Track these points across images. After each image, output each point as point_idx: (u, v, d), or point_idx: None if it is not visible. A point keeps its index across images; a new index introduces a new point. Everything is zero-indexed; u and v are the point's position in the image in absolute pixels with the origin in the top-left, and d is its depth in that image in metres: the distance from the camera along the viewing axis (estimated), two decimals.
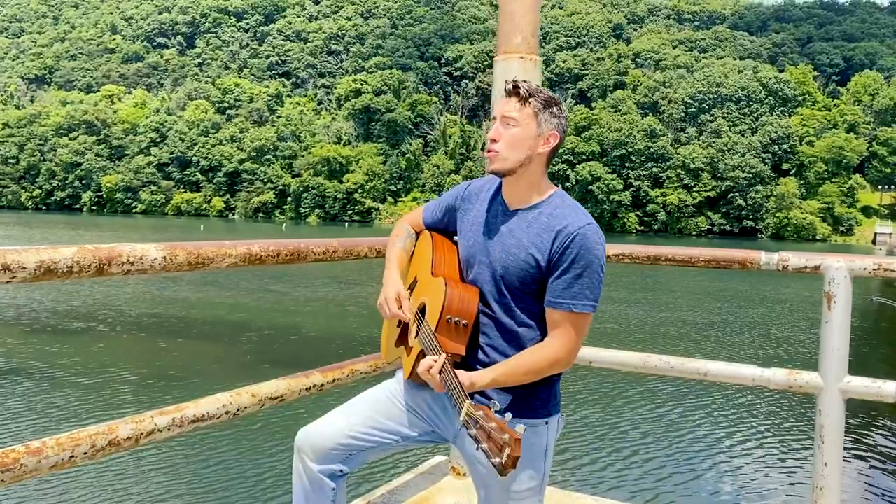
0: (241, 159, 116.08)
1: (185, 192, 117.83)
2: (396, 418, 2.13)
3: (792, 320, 22.54)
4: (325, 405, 2.36)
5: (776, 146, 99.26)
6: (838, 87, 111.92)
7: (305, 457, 2.07)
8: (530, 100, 1.96)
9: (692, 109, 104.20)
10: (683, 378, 2.73)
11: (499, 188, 2.13)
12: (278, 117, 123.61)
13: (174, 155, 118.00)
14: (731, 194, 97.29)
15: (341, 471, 2.08)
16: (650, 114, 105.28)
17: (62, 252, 1.58)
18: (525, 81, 2.00)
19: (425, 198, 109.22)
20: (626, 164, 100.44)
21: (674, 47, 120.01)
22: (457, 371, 1.85)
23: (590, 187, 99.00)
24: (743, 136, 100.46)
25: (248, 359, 14.13)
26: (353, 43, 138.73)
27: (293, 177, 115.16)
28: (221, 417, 2.04)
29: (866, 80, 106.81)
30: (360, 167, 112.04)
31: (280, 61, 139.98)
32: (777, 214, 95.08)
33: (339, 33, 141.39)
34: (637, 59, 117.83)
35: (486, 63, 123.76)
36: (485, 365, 1.97)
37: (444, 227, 2.30)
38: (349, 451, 2.07)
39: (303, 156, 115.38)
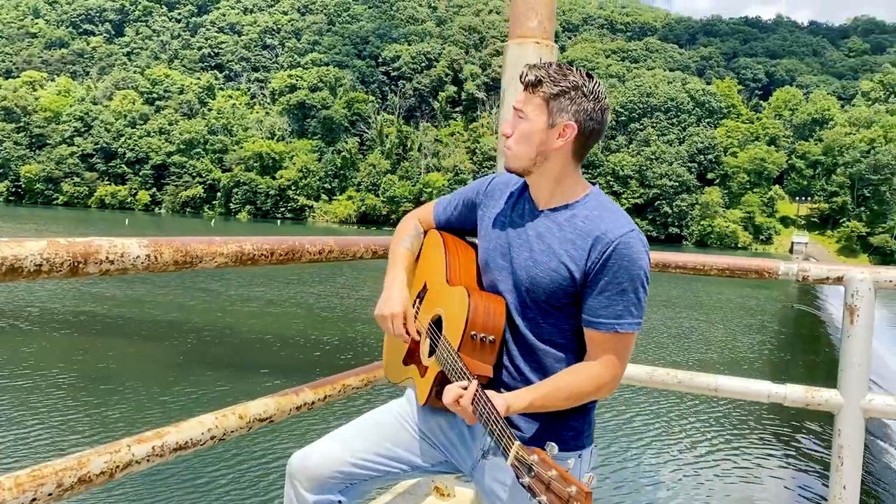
0: (169, 152, 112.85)
1: (110, 184, 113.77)
2: (406, 445, 1.88)
3: (731, 326, 23.22)
4: (311, 417, 2.20)
5: (702, 156, 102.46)
6: (761, 102, 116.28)
7: (299, 485, 1.83)
8: (540, 87, 1.69)
9: (623, 118, 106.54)
10: (692, 393, 2.63)
11: (526, 184, 1.85)
12: (209, 110, 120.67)
13: (99, 146, 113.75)
14: (658, 202, 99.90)
15: (339, 502, 1.84)
16: None
17: (29, 247, 1.30)
18: (536, 66, 1.72)
19: (360, 197, 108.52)
20: None
21: (606, 56, 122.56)
22: (491, 396, 1.57)
23: None
24: (671, 145, 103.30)
25: (182, 360, 13.73)
26: (289, 38, 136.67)
27: (223, 171, 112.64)
28: (206, 443, 1.79)
29: (786, 95, 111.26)
30: (294, 164, 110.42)
31: (213, 53, 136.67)
32: (701, 222, 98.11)
33: (275, 27, 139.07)
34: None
35: (423, 64, 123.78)
36: (506, 387, 1.72)
37: (460, 225, 2.02)
38: (349, 480, 1.83)
39: (234, 150, 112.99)
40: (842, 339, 2.49)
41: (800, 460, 9.85)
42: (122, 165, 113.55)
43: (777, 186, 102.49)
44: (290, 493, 1.85)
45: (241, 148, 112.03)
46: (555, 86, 1.68)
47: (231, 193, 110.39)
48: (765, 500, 8.34)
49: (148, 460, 1.63)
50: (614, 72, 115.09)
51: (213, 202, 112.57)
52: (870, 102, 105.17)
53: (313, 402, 2.15)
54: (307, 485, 1.82)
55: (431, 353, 1.86)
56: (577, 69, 1.72)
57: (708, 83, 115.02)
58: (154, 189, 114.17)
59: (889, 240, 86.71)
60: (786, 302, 32.34)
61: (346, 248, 2.25)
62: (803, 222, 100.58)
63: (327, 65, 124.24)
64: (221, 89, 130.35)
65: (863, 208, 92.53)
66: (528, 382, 1.73)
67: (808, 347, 21.43)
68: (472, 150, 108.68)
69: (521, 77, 1.74)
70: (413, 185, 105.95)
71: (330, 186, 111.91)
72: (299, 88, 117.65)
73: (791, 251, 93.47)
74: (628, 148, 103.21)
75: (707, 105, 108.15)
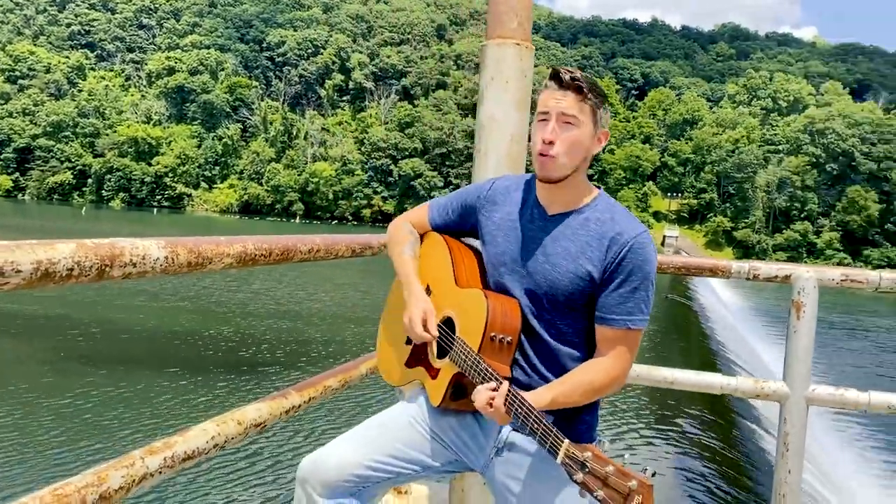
0: (34, 135, 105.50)
1: None
2: (418, 446, 1.89)
3: None
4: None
5: None
6: (637, 101, 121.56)
7: (312, 490, 1.81)
8: (590, 96, 1.70)
9: None
10: (650, 386, 2.79)
11: (529, 188, 1.88)
12: (80, 91, 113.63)
13: None
14: None
15: None
16: (470, 115, 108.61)
17: (61, 250, 1.24)
18: (574, 71, 1.71)
19: (243, 185, 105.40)
20: (447, 163, 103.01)
21: None
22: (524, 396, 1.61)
23: (412, 183, 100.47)
24: None
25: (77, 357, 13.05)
26: (167, 18, 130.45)
27: (95, 157, 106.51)
28: (210, 452, 1.77)
29: (660, 95, 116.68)
30: (172, 150, 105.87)
31: (83, 31, 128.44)
32: None
33: (152, 6, 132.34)
34: (458, 61, 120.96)
35: (310, 51, 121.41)
36: (523, 386, 1.72)
37: (457, 228, 2.03)
38: (363, 483, 1.82)
39: (107, 134, 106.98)
40: (788, 333, 2.62)
41: (743, 447, 10.12)
42: None
43: (651, 183, 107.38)
44: (303, 498, 1.83)
45: (115, 132, 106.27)
46: (599, 94, 1.71)
47: (103, 180, 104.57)
48: (710, 485, 8.61)
49: (160, 472, 1.59)
50: None
51: (84, 189, 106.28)
52: (735, 105, 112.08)
53: (300, 405, 2.15)
54: (321, 489, 1.80)
55: (441, 354, 1.87)
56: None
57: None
58: (17, 174, 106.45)
59: (751, 234, 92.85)
60: (659, 292, 34.03)
61: (331, 247, 2.24)
62: (674, 217, 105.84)
63: (208, 48, 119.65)
64: (93, 69, 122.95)
65: (728, 204, 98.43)
66: (544, 381, 1.75)
67: (681, 336, 22.66)
68: (361, 140, 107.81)
69: (566, 81, 1.70)
70: (299, 175, 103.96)
71: (210, 174, 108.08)
72: (178, 71, 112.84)
73: (663, 244, 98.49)
74: None
75: None
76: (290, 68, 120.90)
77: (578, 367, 1.74)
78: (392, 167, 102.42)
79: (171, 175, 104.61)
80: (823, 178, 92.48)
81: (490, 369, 1.67)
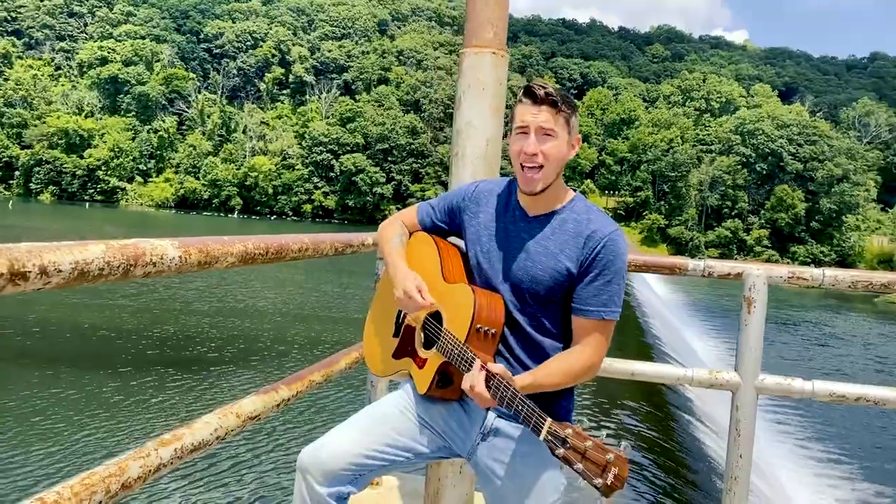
0: None
1: None
2: (410, 434, 1.99)
3: None
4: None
5: None
6: (576, 100, 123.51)
7: (312, 479, 1.89)
8: (563, 107, 1.83)
9: (450, 110, 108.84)
10: (611, 378, 2.94)
11: (511, 191, 2.01)
12: (6, 80, 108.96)
13: None
14: None
15: (350, 493, 1.92)
16: (412, 111, 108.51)
17: (92, 250, 1.29)
18: (546, 84, 1.85)
19: (179, 179, 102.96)
20: (389, 159, 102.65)
21: (435, 49, 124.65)
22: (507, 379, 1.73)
23: (353, 179, 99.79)
24: None
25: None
26: (100, 6, 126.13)
27: (22, 148, 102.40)
28: (213, 443, 1.85)
29: (599, 95, 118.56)
30: (105, 142, 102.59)
31: (9, 17, 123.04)
32: None
33: None
34: (400, 57, 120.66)
35: (249, 43, 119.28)
36: None
37: (444, 228, 2.16)
38: (361, 470, 1.91)
39: (35, 125, 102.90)
40: (739, 326, 2.77)
41: (680, 437, 10.42)
42: None
43: (589, 181, 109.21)
44: (302, 487, 1.91)
45: (44, 123, 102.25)
46: (571, 105, 1.85)
47: (31, 172, 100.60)
48: (663, 473, 8.81)
49: (171, 463, 1.66)
50: (442, 64, 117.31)
51: (10, 182, 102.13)
52: (670, 105, 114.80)
53: (289, 398, 2.24)
54: (321, 478, 1.88)
55: (428, 345, 1.99)
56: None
57: (529, 81, 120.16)
58: None
59: (684, 231, 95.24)
60: None
61: (318, 246, 2.34)
62: (611, 214, 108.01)
63: (143, 38, 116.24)
64: (20, 58, 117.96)
65: (662, 202, 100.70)
66: (526, 370, 1.87)
67: (618, 328, 23.17)
68: (301, 134, 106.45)
69: (540, 96, 1.82)
70: (237, 169, 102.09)
71: (145, 168, 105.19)
72: (111, 62, 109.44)
73: None
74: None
75: None
76: (228, 61, 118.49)
77: (558, 355, 1.88)
78: (333, 162, 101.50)
79: (104, 168, 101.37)
80: (753, 177, 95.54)
81: (475, 356, 1.77)
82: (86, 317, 16.53)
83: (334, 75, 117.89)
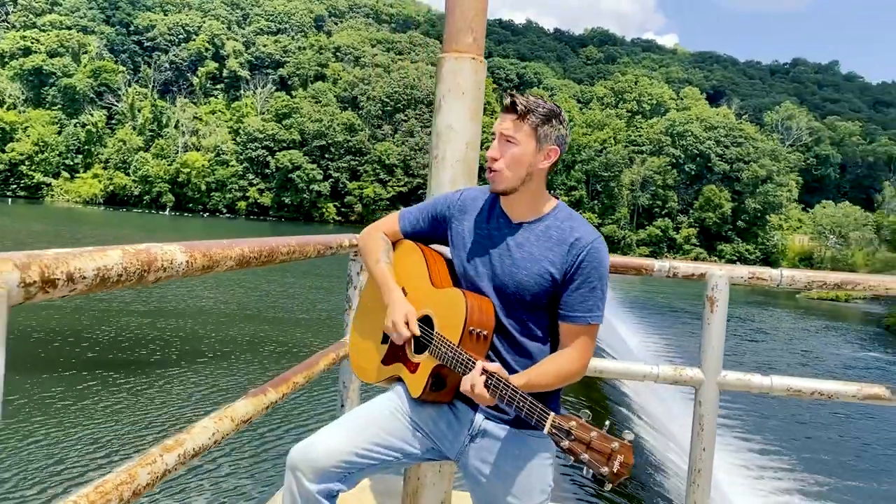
0: None
1: None
2: (401, 435, 2.04)
3: None
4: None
5: None
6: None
7: (302, 476, 1.92)
8: (529, 116, 1.90)
9: (388, 108, 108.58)
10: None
11: (495, 198, 2.07)
12: None
13: None
14: (422, 191, 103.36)
15: (339, 490, 1.96)
16: (349, 108, 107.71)
17: (112, 256, 1.28)
18: (518, 95, 1.93)
19: (108, 175, 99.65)
20: (326, 156, 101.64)
21: (372, 46, 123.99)
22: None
23: (290, 176, 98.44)
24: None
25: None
26: None
27: None
28: (211, 447, 1.88)
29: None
30: (29, 136, 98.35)
31: None
32: None
33: None
34: (338, 53, 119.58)
35: (181, 36, 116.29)
36: None
37: (428, 236, 2.20)
38: (351, 468, 1.95)
39: None
40: (703, 325, 2.88)
41: (635, 430, 10.69)
42: None
43: None
44: (292, 484, 1.94)
45: None
46: (541, 115, 1.91)
47: None
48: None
49: (175, 468, 1.68)
50: (380, 62, 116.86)
51: None
52: (603, 107, 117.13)
53: (276, 400, 2.27)
54: (311, 475, 1.91)
55: (418, 349, 2.03)
56: (544, 98, 1.96)
57: None
58: None
59: (616, 230, 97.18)
60: None
61: (303, 248, 2.35)
62: None
63: (69, 28, 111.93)
64: None
65: (596, 202, 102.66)
66: (513, 373, 1.90)
67: None
68: (236, 130, 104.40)
69: (507, 105, 1.93)
70: (169, 165, 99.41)
71: (72, 163, 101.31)
72: (35, 52, 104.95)
73: None
74: (393, 137, 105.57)
75: None
76: (159, 54, 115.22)
77: (548, 357, 1.94)
78: (269, 158, 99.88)
79: (27, 163, 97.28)
80: (682, 177, 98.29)
81: (472, 358, 1.83)
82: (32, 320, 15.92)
83: (270, 70, 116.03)
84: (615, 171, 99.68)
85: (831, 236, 78.61)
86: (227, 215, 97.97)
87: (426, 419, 2.06)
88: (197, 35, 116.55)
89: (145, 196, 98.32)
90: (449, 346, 1.89)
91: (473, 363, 1.81)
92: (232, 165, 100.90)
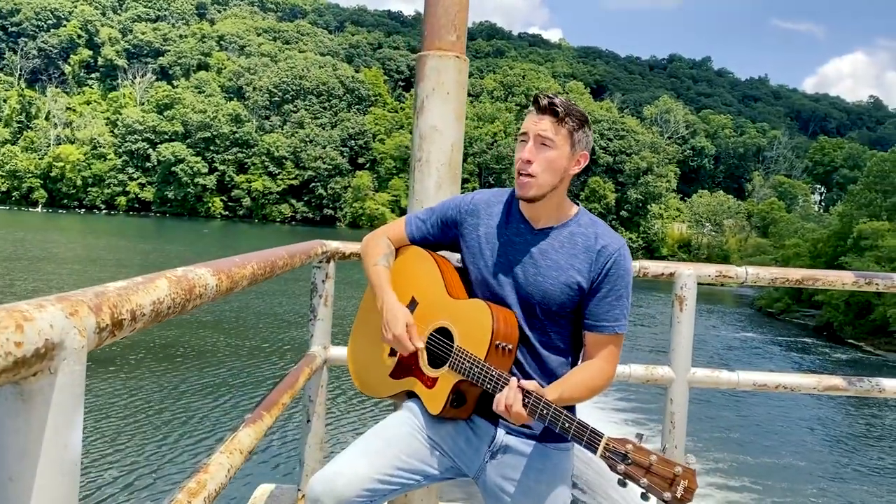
0: None
1: None
2: (421, 456, 1.94)
3: None
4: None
5: (353, 141, 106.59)
6: (404, 92, 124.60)
7: None
8: (567, 119, 1.83)
9: (276, 99, 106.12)
10: None
11: (511, 202, 1.98)
12: None
13: None
14: (314, 184, 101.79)
15: None
16: (235, 98, 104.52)
17: (161, 287, 1.16)
18: (555, 97, 1.84)
19: None
20: (211, 148, 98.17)
21: (258, 35, 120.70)
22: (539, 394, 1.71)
23: (173, 169, 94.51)
24: (324, 129, 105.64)
25: None
26: None
27: None
28: (226, 483, 1.77)
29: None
30: None
31: None
32: (354, 204, 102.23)
33: None
34: (222, 42, 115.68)
35: (50, 22, 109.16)
36: None
37: (436, 241, 2.10)
38: (374, 496, 1.85)
39: None
40: (672, 324, 2.89)
41: (630, 427, 10.86)
42: None
43: None
44: None
45: None
46: (578, 119, 1.84)
47: None
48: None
49: None
50: (266, 51, 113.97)
51: None
52: (493, 100, 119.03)
53: (270, 424, 2.15)
54: None
55: (434, 363, 1.93)
56: (574, 102, 1.88)
57: (357, 71, 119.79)
58: None
59: None
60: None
61: (292, 257, 2.23)
62: None
63: None
64: None
65: None
66: None
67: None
68: (113, 121, 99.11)
69: (544, 106, 1.83)
70: (40, 159, 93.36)
71: None
72: None
73: None
74: (283, 129, 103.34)
75: (357, 92, 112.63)
76: (26, 40, 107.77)
77: (576, 369, 1.88)
78: (150, 151, 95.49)
79: None
80: None
81: (504, 375, 1.74)
82: None
83: (149, 59, 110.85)
84: (506, 164, 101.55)
85: (707, 224, 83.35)
86: (106, 212, 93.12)
87: (445, 437, 1.96)
88: (68, 21, 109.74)
89: (14, 192, 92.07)
90: (474, 361, 1.80)
91: (506, 380, 1.74)
92: (110, 159, 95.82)
